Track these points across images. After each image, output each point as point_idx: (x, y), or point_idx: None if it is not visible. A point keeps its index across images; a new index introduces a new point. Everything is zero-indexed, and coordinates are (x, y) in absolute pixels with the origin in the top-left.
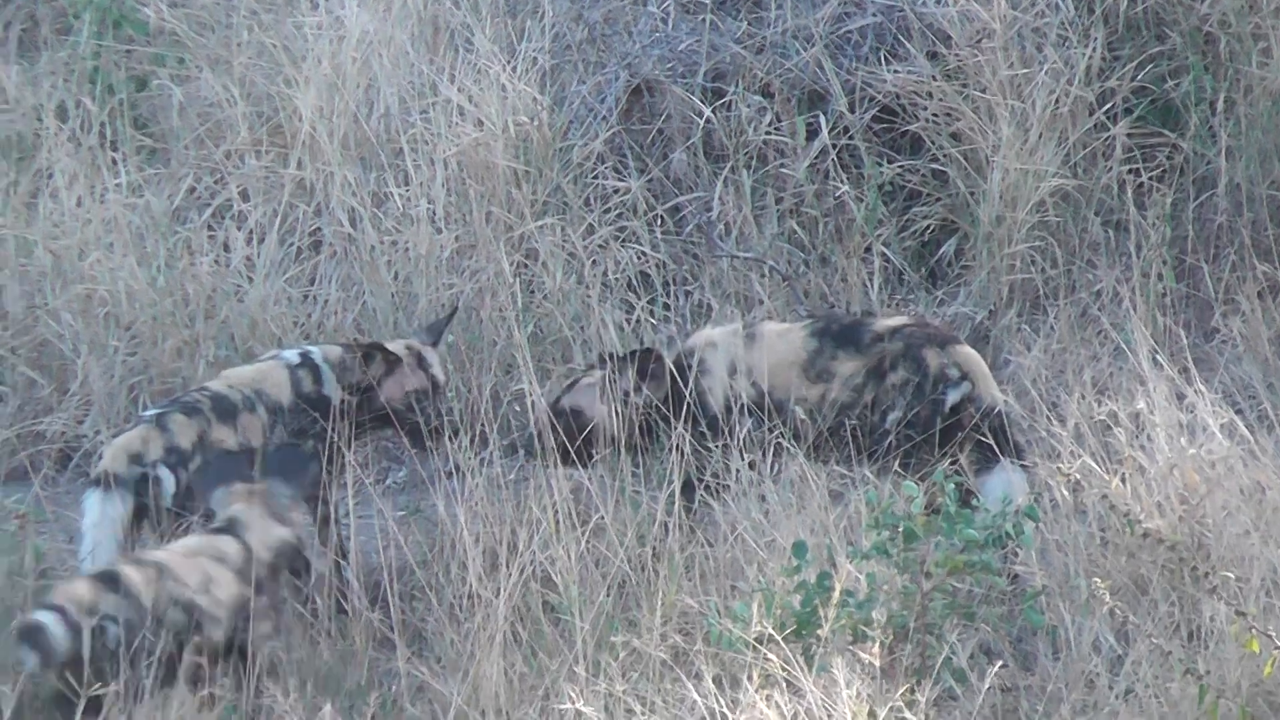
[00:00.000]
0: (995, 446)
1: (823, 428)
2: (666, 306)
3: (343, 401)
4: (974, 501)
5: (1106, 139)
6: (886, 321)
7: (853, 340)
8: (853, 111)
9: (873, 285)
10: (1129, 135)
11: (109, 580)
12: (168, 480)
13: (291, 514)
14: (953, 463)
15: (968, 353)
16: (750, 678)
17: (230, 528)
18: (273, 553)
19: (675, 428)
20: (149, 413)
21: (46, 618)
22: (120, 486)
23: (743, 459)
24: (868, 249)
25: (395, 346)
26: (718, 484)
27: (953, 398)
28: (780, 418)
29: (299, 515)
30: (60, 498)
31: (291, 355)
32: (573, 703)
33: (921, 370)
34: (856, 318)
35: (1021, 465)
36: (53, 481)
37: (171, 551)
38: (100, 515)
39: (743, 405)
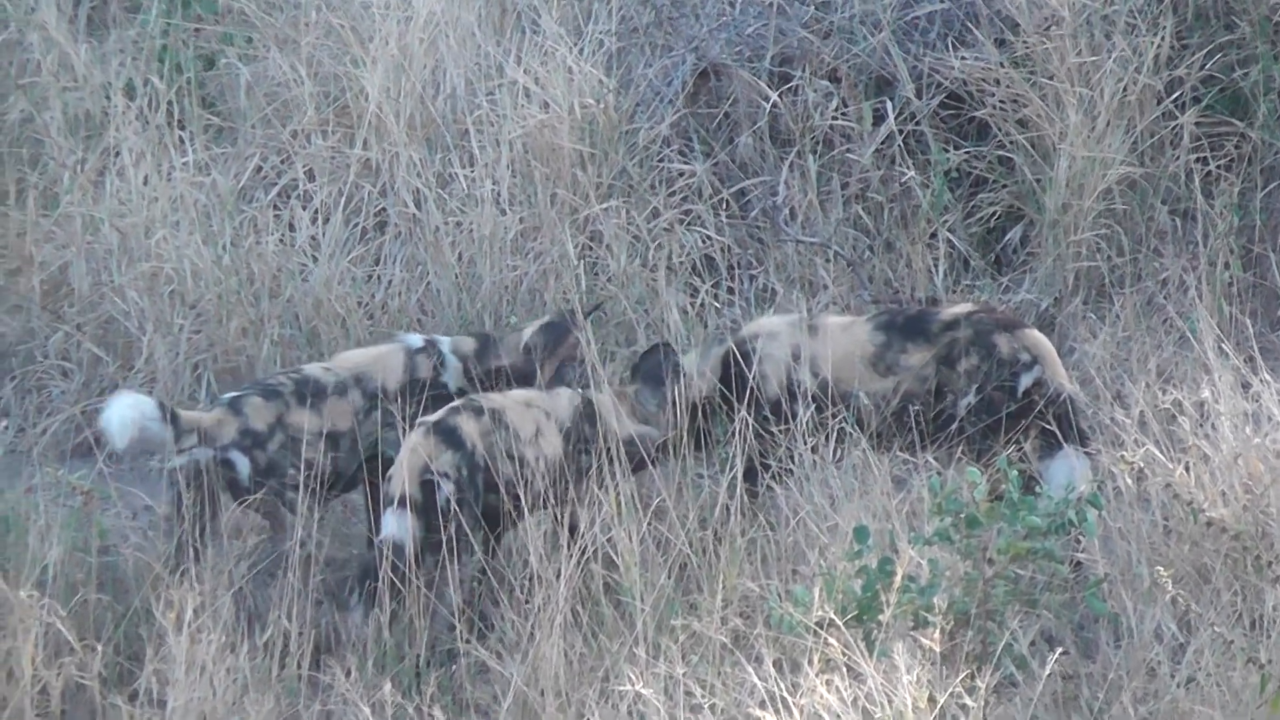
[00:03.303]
0: (1060, 432)
1: (887, 414)
2: (731, 290)
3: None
4: (1037, 488)
5: (1174, 127)
6: (952, 309)
7: (920, 330)
8: (919, 97)
9: (938, 271)
10: (1197, 124)
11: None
12: (241, 463)
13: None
14: (1018, 449)
15: (1037, 337)
16: (811, 662)
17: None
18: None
19: (738, 413)
20: (225, 397)
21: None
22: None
23: (805, 444)
24: (933, 235)
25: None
26: (781, 469)
27: (1025, 382)
28: (845, 406)
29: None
30: (124, 475)
31: (415, 339)
32: (633, 685)
33: (993, 356)
34: (920, 308)
35: (1085, 452)
36: (117, 459)
37: None
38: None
39: (806, 394)
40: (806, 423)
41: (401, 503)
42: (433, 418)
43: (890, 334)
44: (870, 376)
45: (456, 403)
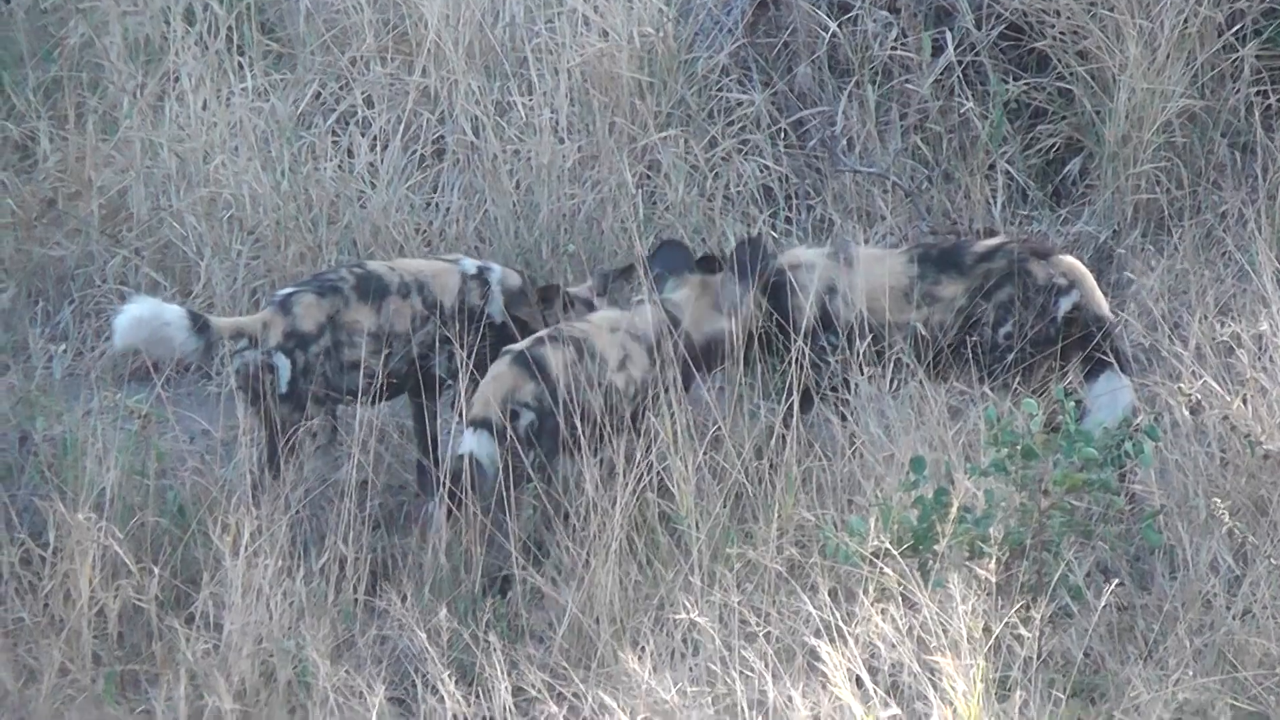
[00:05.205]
0: (1101, 353)
1: (943, 344)
2: (788, 220)
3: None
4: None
5: (1235, 60)
6: (985, 242)
7: (954, 263)
8: (979, 28)
9: (996, 203)
10: (1258, 57)
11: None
12: (283, 367)
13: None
14: (1062, 374)
15: (1071, 262)
16: (866, 591)
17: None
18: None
19: (795, 341)
20: (278, 295)
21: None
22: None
23: (863, 374)
24: (991, 166)
25: (577, 290)
26: (837, 398)
27: (1064, 306)
28: (886, 338)
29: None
30: (181, 399)
31: (469, 265)
32: (687, 613)
33: (1030, 283)
34: (954, 241)
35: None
36: (174, 382)
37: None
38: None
39: (848, 325)
40: (863, 353)
41: (484, 425)
42: (519, 346)
43: (925, 265)
44: (905, 307)
45: (543, 332)
